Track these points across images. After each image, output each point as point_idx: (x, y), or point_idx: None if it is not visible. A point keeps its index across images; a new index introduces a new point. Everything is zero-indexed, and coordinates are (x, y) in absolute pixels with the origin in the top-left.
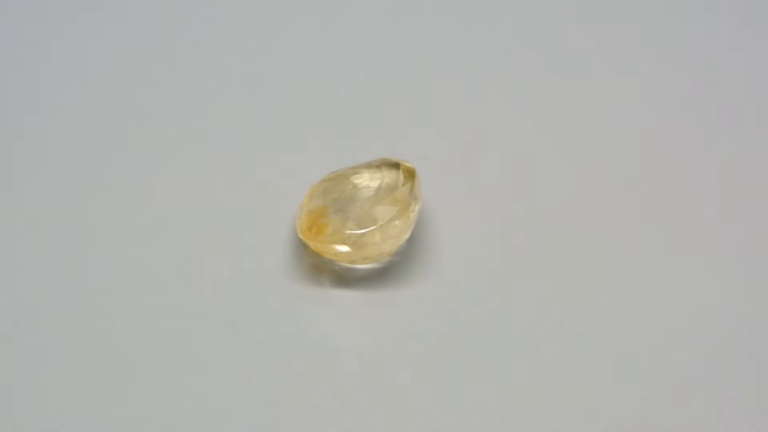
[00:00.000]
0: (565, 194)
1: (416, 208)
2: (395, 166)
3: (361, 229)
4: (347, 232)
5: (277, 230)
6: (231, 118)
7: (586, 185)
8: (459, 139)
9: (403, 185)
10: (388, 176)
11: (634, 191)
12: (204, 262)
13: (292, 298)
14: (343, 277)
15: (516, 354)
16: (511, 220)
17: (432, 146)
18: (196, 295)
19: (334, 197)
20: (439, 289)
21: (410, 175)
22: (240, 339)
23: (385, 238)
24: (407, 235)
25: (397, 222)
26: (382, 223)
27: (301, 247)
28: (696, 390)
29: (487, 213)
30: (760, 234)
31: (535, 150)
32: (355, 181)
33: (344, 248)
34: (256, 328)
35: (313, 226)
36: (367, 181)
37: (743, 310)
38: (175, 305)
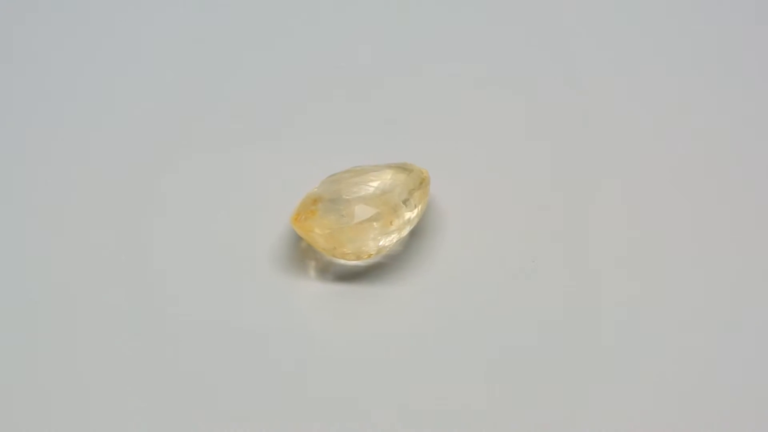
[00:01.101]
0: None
1: (407, 214)
2: (408, 171)
3: (340, 224)
4: (326, 223)
5: (284, 216)
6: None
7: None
8: (481, 149)
9: (399, 190)
10: (394, 179)
11: (635, 193)
12: (204, 240)
13: (273, 282)
14: (328, 270)
15: (491, 357)
16: (512, 232)
17: (456, 155)
18: (187, 269)
19: (336, 188)
20: (414, 294)
21: (416, 183)
22: (217, 320)
23: (361, 237)
24: (393, 238)
25: (375, 224)
26: (357, 221)
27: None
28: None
29: (493, 226)
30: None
31: (547, 161)
32: (369, 177)
33: (322, 240)
34: (233, 310)
35: (303, 212)
36: (376, 180)
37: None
38: (171, 285)
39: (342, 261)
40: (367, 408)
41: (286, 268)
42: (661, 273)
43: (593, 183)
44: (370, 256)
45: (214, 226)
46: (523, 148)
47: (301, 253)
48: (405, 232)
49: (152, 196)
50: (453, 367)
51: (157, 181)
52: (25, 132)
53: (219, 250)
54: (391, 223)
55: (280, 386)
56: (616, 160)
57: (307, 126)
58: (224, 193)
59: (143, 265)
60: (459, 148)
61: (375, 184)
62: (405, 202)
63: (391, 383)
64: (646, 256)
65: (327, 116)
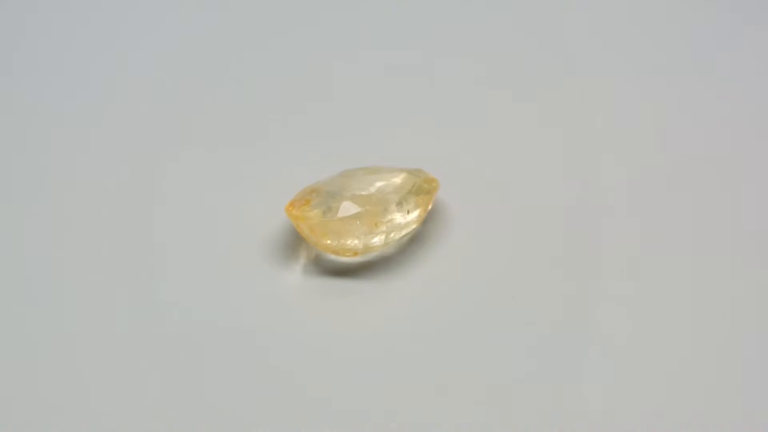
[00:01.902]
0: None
1: (399, 218)
2: (416, 176)
3: (325, 217)
4: (313, 214)
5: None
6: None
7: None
8: (501, 162)
9: (398, 194)
10: (399, 182)
11: (645, 203)
12: (204, 230)
13: (261, 273)
14: (317, 265)
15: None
16: (514, 247)
17: (477, 167)
18: (181, 250)
19: (341, 182)
20: (399, 294)
21: (420, 188)
22: (207, 313)
23: (344, 233)
24: (382, 239)
25: (358, 222)
26: (340, 217)
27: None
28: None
29: (495, 239)
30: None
31: (565, 178)
32: (377, 177)
33: (308, 230)
34: (221, 302)
35: (297, 200)
36: (382, 181)
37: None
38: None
39: (333, 256)
40: (359, 408)
41: (276, 259)
42: (667, 286)
43: (604, 196)
44: (356, 254)
45: (217, 218)
46: (542, 161)
47: (294, 245)
48: (398, 235)
49: (155, 192)
50: (438, 366)
51: (166, 175)
52: (25, 129)
53: (216, 239)
54: (376, 224)
55: (269, 383)
56: (629, 170)
57: (325, 126)
58: (236, 187)
59: (138, 259)
60: (480, 160)
61: (379, 184)
62: (399, 205)
63: (377, 381)
64: (652, 267)
65: (346, 117)
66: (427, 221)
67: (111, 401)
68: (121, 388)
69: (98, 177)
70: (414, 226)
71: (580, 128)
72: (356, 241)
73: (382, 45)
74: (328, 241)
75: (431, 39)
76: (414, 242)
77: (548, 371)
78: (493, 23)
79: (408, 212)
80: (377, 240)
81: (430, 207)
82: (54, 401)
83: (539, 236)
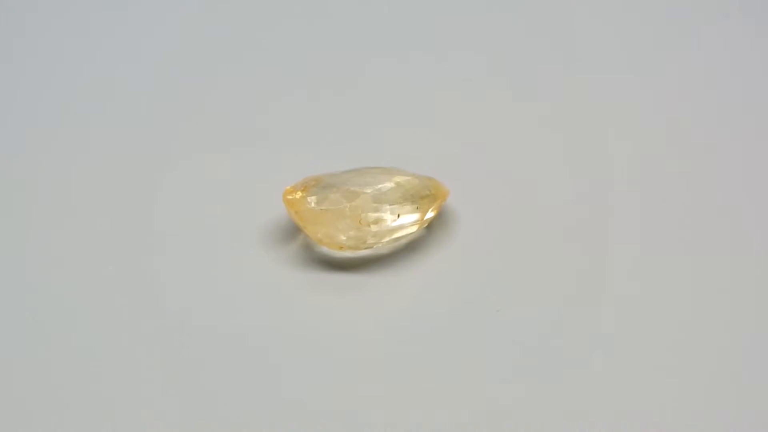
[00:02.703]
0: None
1: (389, 220)
2: (425, 184)
3: (312, 206)
4: (303, 202)
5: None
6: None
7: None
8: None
9: (394, 196)
10: (404, 186)
11: (639, 194)
12: (206, 212)
13: (252, 265)
14: (306, 254)
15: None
16: (511, 237)
17: (494, 180)
18: (179, 248)
19: (347, 177)
20: (380, 292)
21: (422, 195)
22: (201, 310)
23: (328, 225)
24: (369, 238)
25: (342, 216)
26: (323, 208)
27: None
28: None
29: (496, 253)
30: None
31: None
32: (386, 178)
33: (297, 218)
34: (214, 295)
35: (296, 187)
36: (390, 183)
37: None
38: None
39: (327, 250)
40: (356, 407)
41: (271, 253)
42: (668, 286)
43: (606, 197)
44: (342, 248)
45: (217, 215)
46: (543, 162)
47: (292, 237)
48: (391, 236)
49: (155, 192)
50: (436, 366)
51: (166, 176)
52: (26, 129)
53: (215, 237)
54: (360, 221)
55: (266, 382)
56: (633, 171)
57: (325, 126)
58: (238, 185)
59: (136, 258)
60: (481, 161)
61: (383, 184)
62: (392, 207)
63: (373, 380)
64: (653, 267)
65: (346, 117)
66: (431, 225)
67: (108, 398)
68: (118, 386)
69: (98, 177)
70: (412, 230)
71: (580, 129)
72: (342, 236)
73: (383, 45)
74: (315, 232)
75: (431, 39)
76: (414, 243)
77: (548, 371)
78: (496, 23)
79: (399, 216)
80: (370, 239)
81: (433, 213)
82: (53, 401)
83: (540, 236)
